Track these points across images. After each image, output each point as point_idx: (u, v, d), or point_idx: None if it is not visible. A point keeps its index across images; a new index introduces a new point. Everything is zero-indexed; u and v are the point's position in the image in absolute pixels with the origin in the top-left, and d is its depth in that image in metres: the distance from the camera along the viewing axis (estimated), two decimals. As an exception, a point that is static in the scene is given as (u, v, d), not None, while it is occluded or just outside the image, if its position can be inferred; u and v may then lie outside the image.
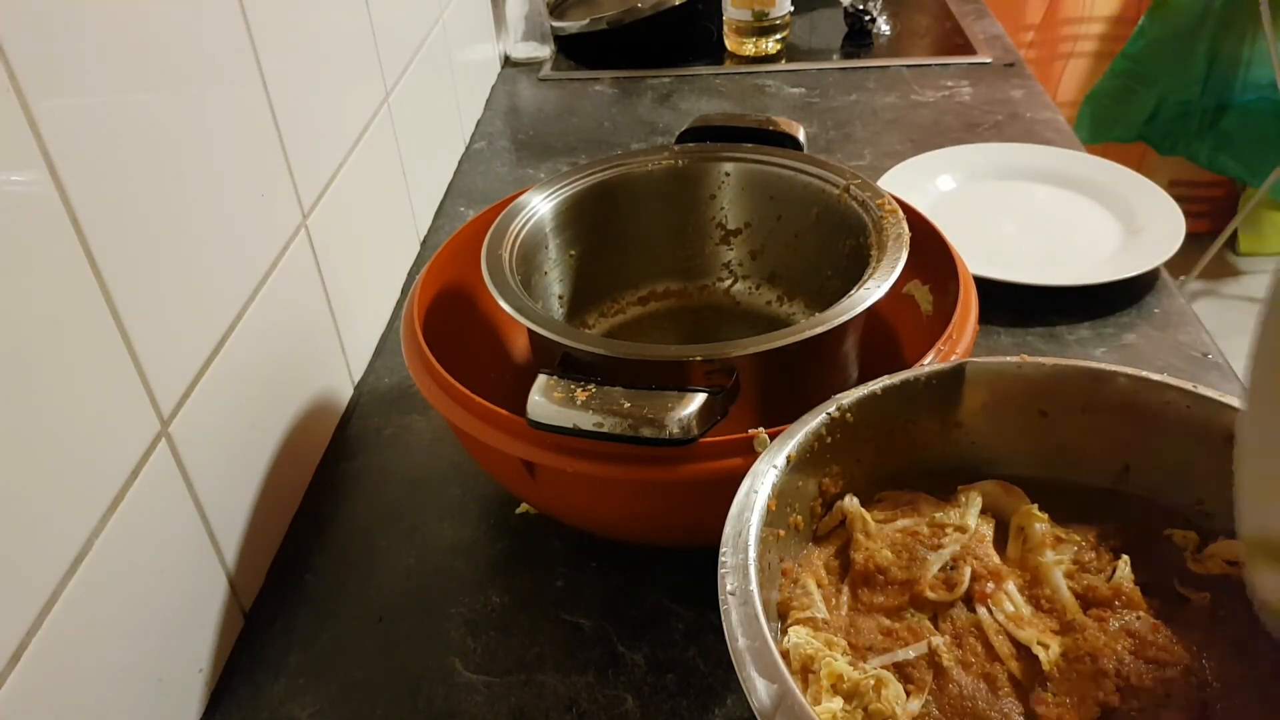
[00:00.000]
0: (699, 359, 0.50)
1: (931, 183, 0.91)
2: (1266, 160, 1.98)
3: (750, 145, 0.68)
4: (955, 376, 0.46)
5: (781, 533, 0.42)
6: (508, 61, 1.27)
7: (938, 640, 0.40)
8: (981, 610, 0.41)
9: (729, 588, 0.36)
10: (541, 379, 0.48)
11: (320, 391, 0.66)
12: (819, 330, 0.50)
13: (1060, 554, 0.43)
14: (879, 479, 0.46)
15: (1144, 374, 0.44)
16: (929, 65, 1.19)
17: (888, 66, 1.20)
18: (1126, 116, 2.11)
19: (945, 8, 1.36)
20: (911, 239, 0.57)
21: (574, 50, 1.28)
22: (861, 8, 1.27)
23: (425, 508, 0.62)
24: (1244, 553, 0.35)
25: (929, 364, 0.48)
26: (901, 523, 0.44)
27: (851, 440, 0.44)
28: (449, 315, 0.63)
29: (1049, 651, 0.39)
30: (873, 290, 0.53)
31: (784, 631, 0.40)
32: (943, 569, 0.42)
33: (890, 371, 0.46)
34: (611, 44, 1.24)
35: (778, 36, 1.23)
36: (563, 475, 0.49)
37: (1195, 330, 0.73)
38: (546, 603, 0.55)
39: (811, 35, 1.31)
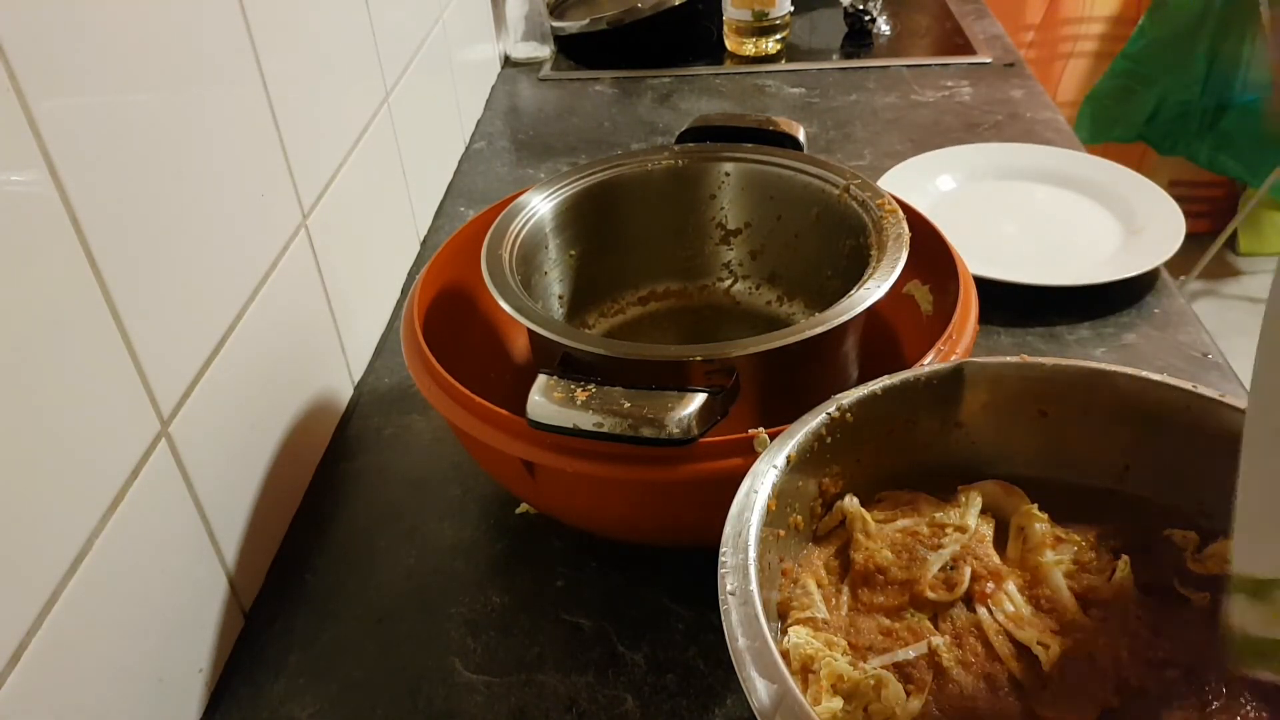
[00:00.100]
0: (699, 359, 0.50)
1: (931, 183, 0.91)
2: (1266, 160, 1.98)
3: (750, 145, 0.68)
4: (955, 376, 0.46)
5: (781, 533, 0.42)
6: (508, 61, 1.27)
7: (938, 640, 0.40)
8: (981, 610, 0.41)
9: (729, 588, 0.36)
10: (541, 379, 0.48)
11: (320, 391, 0.66)
12: (819, 330, 0.50)
13: (1060, 554, 0.43)
14: (879, 479, 0.46)
15: (1144, 374, 0.44)
16: (929, 65, 1.19)
17: (888, 66, 1.20)
18: (1126, 116, 2.11)
19: (945, 8, 1.36)
20: (911, 239, 0.57)
21: (574, 50, 1.28)
22: (861, 8, 1.27)
23: (425, 508, 0.62)
24: (1230, 577, 0.35)
25: (929, 364, 0.48)
26: (901, 523, 0.44)
27: (851, 440, 0.44)
28: (449, 315, 0.63)
29: (1049, 652, 0.39)
30: (873, 290, 0.53)
31: (784, 631, 0.40)
32: (943, 569, 0.42)
33: (890, 371, 0.46)
34: (611, 44, 1.24)
35: (778, 36, 1.23)
36: (563, 475, 0.49)
37: (1195, 330, 0.73)
38: (546, 603, 0.55)
39: (811, 35, 1.31)
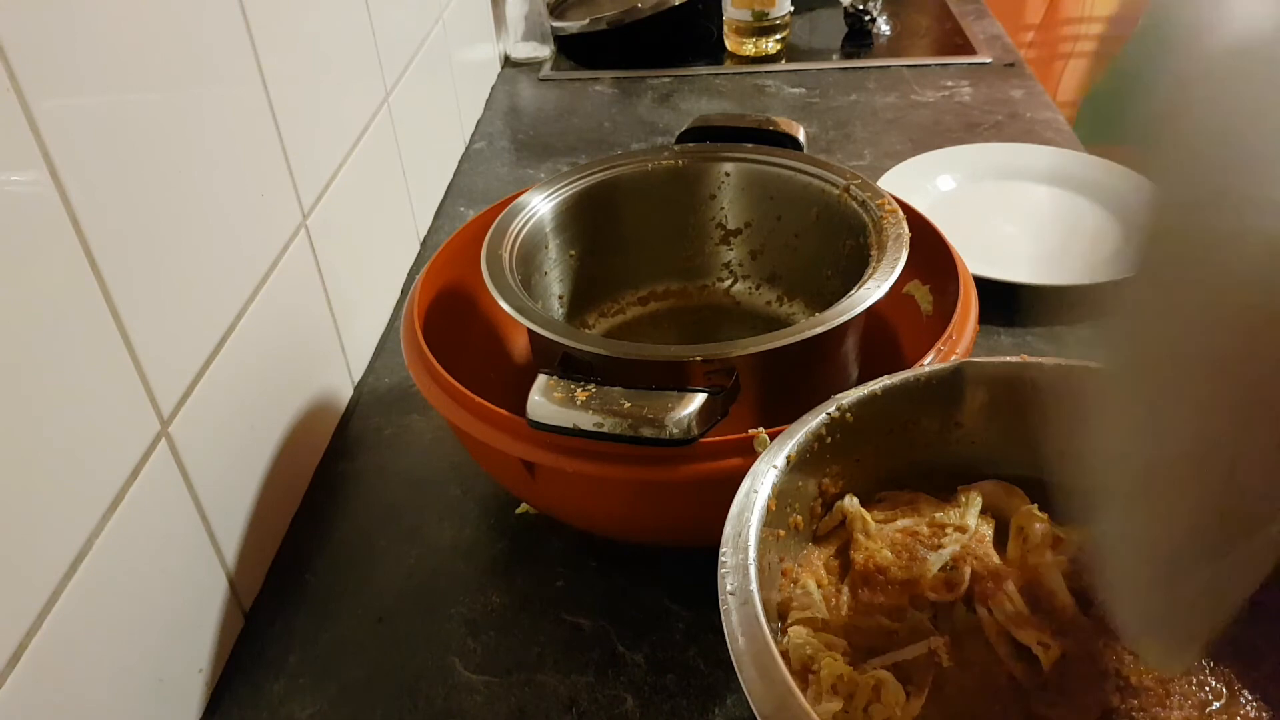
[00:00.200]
0: (699, 359, 0.50)
1: (931, 183, 0.91)
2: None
3: (750, 145, 0.68)
4: (955, 376, 0.46)
5: (781, 533, 0.42)
6: (508, 61, 1.27)
7: (938, 640, 0.40)
8: (981, 610, 0.41)
9: (729, 588, 0.36)
10: (541, 379, 0.48)
11: (320, 391, 0.66)
12: (819, 330, 0.50)
13: (1060, 554, 0.43)
14: (879, 479, 0.46)
15: (1144, 374, 0.44)
16: (929, 65, 1.19)
17: (888, 66, 1.20)
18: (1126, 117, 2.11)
19: (945, 8, 1.36)
20: (911, 239, 0.57)
21: (574, 50, 1.28)
22: (861, 8, 1.27)
23: (425, 508, 0.62)
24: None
25: (929, 364, 0.48)
26: (901, 523, 0.44)
27: (851, 440, 0.44)
28: (449, 315, 0.63)
29: (1049, 652, 0.39)
30: (873, 290, 0.53)
31: (784, 631, 0.40)
32: (943, 569, 0.42)
33: (890, 371, 0.46)
34: (611, 44, 1.24)
35: (778, 36, 1.23)
36: (563, 475, 0.49)
37: (1195, 330, 0.73)
38: (546, 603, 0.55)
39: (811, 35, 1.31)
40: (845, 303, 0.52)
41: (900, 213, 0.59)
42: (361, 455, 0.67)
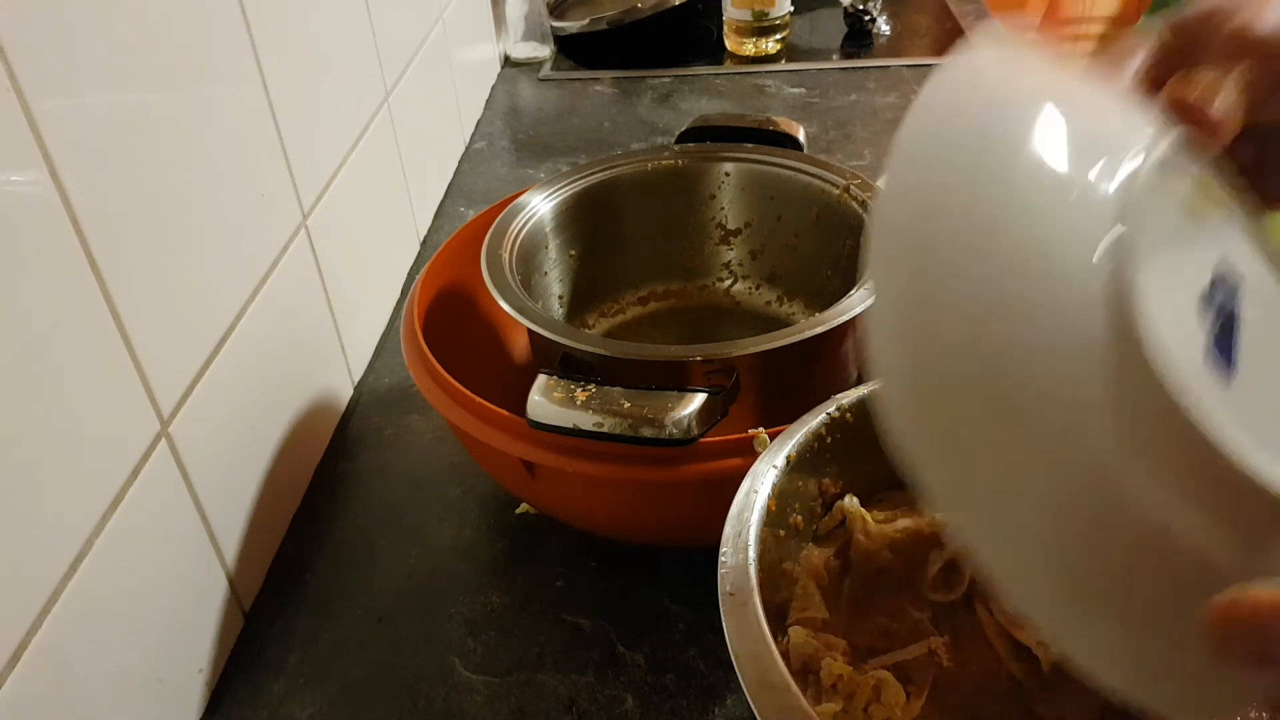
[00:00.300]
0: (699, 359, 0.50)
1: (931, 183, 0.91)
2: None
3: (750, 145, 0.68)
4: (955, 376, 0.46)
5: (781, 533, 0.42)
6: (508, 61, 1.27)
7: (938, 640, 0.40)
8: (981, 610, 0.41)
9: (729, 588, 0.36)
10: (541, 379, 0.48)
11: (320, 391, 0.66)
12: (819, 330, 0.50)
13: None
14: (879, 479, 0.46)
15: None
16: (929, 65, 1.19)
17: (888, 66, 1.20)
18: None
19: (945, 8, 1.36)
20: (911, 239, 0.56)
21: (574, 50, 1.28)
22: (861, 8, 1.27)
23: (425, 508, 0.62)
24: None
25: (929, 364, 0.48)
26: (901, 523, 0.44)
27: (851, 440, 0.44)
28: (449, 315, 0.63)
29: (1049, 652, 0.39)
30: (873, 290, 0.53)
31: (784, 631, 0.40)
32: (943, 569, 0.42)
33: (890, 371, 0.46)
34: (611, 44, 1.24)
35: (778, 36, 1.23)
36: (563, 475, 0.49)
37: (1195, 330, 0.73)
38: (546, 603, 0.55)
39: (811, 35, 1.31)
40: (845, 303, 0.52)
41: (900, 213, 0.59)
42: (361, 455, 0.67)
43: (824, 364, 0.56)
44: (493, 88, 1.20)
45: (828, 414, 0.44)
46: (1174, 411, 0.26)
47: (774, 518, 0.40)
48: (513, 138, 1.09)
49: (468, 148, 1.07)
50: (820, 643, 0.39)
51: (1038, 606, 0.27)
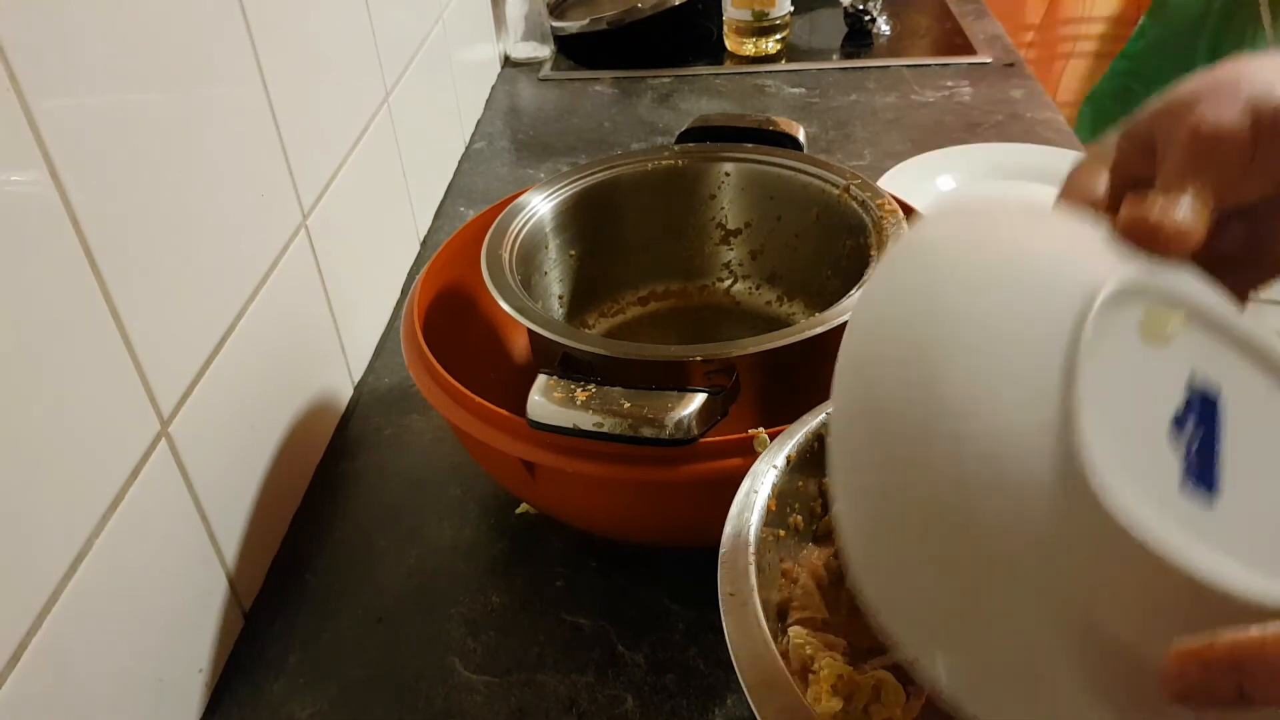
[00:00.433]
0: (699, 359, 0.50)
1: (931, 183, 0.91)
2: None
3: (750, 145, 0.68)
4: (955, 377, 0.46)
5: (781, 533, 0.42)
6: (508, 61, 1.27)
7: (938, 640, 0.39)
8: (981, 610, 0.41)
9: (729, 588, 0.36)
10: (541, 379, 0.48)
11: (320, 391, 0.66)
12: (819, 330, 0.50)
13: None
14: (879, 479, 0.46)
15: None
16: (929, 65, 1.19)
17: (888, 66, 1.20)
18: (1126, 116, 2.11)
19: (945, 8, 1.36)
20: (911, 239, 0.56)
21: (574, 50, 1.28)
22: (861, 8, 1.27)
23: (425, 508, 0.62)
24: None
25: (929, 364, 0.48)
26: (901, 523, 0.44)
27: (851, 440, 0.44)
28: (449, 315, 0.63)
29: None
30: (873, 290, 0.53)
31: (784, 631, 0.40)
32: (943, 569, 0.42)
33: (890, 371, 0.46)
34: (611, 44, 1.24)
35: (778, 36, 1.23)
36: (563, 475, 0.49)
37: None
38: (546, 603, 0.55)
39: (811, 35, 1.31)
40: (845, 303, 0.52)
41: (900, 213, 0.59)
42: (361, 455, 0.67)
43: (824, 364, 0.56)
44: (493, 88, 1.20)
45: (828, 414, 0.44)
46: (1141, 552, 0.26)
47: (774, 518, 0.40)
48: (513, 138, 1.09)
49: (468, 148, 1.07)
50: (820, 643, 0.39)
51: None
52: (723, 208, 0.69)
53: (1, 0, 0.37)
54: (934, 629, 0.29)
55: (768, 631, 0.34)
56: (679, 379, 0.48)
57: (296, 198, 0.62)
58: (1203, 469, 0.28)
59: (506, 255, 0.58)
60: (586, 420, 0.45)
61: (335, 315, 0.68)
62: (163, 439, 0.47)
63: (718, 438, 0.47)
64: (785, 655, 0.38)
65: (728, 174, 0.68)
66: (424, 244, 0.89)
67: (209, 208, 0.52)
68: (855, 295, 0.53)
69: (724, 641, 0.34)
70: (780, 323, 0.69)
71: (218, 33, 0.53)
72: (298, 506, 0.63)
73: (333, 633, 0.55)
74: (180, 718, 0.49)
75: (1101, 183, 0.36)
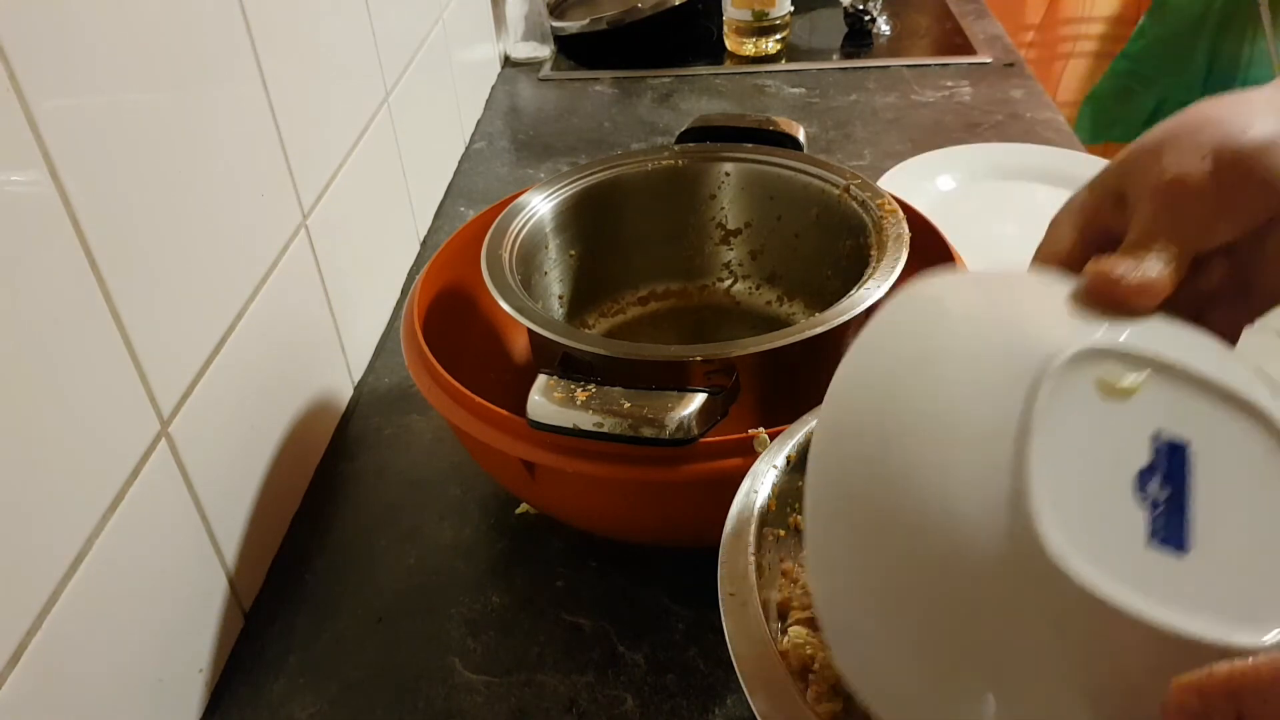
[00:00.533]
0: (699, 359, 0.50)
1: (931, 183, 0.91)
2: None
3: (750, 145, 0.68)
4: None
5: (781, 533, 0.42)
6: (508, 61, 1.27)
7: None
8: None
9: (729, 588, 0.36)
10: (541, 379, 0.48)
11: (320, 391, 0.66)
12: (819, 330, 0.50)
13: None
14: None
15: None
16: (929, 65, 1.19)
17: (888, 66, 1.20)
18: (1126, 116, 2.11)
19: (945, 8, 1.36)
20: (911, 239, 0.57)
21: (574, 50, 1.28)
22: (861, 8, 1.27)
23: (425, 508, 0.62)
24: None
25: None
26: (901, 523, 0.44)
27: (851, 440, 0.44)
28: (449, 315, 0.63)
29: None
30: (873, 290, 0.53)
31: (784, 631, 0.40)
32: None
33: (890, 371, 0.46)
34: (611, 44, 1.24)
35: (778, 36, 1.23)
36: (563, 475, 0.49)
37: (1195, 330, 0.73)
38: (546, 603, 0.55)
39: (811, 35, 1.31)
40: (845, 303, 0.52)
41: (900, 213, 0.59)
42: (361, 455, 0.67)
43: (824, 364, 0.56)
44: (493, 88, 1.20)
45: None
46: (1108, 615, 0.26)
47: (774, 518, 0.40)
48: (513, 138, 1.09)
49: (468, 148, 1.07)
50: (820, 642, 0.39)
51: None
52: (723, 208, 0.69)
53: (2, 0, 0.37)
54: (903, 703, 0.29)
55: (768, 631, 0.34)
56: (679, 379, 0.48)
57: (296, 198, 0.62)
58: (1170, 522, 0.28)
59: (506, 255, 0.58)
60: (586, 420, 0.45)
61: (335, 315, 0.68)
62: (163, 439, 0.47)
63: (718, 438, 0.47)
64: (785, 655, 0.38)
65: (728, 174, 0.68)
66: (424, 244, 0.89)
67: (209, 208, 0.52)
68: (857, 294, 0.53)
69: (724, 641, 0.34)
70: (780, 323, 0.69)
71: (218, 33, 0.53)
72: (298, 506, 0.63)
73: (333, 633, 0.55)
74: (180, 718, 0.49)
75: (1076, 235, 0.37)
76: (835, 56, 1.24)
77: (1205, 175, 0.33)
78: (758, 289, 0.71)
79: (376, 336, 0.77)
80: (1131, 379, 0.31)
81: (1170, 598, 0.27)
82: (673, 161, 0.68)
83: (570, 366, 0.52)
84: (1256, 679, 0.24)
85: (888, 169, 0.92)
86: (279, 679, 0.52)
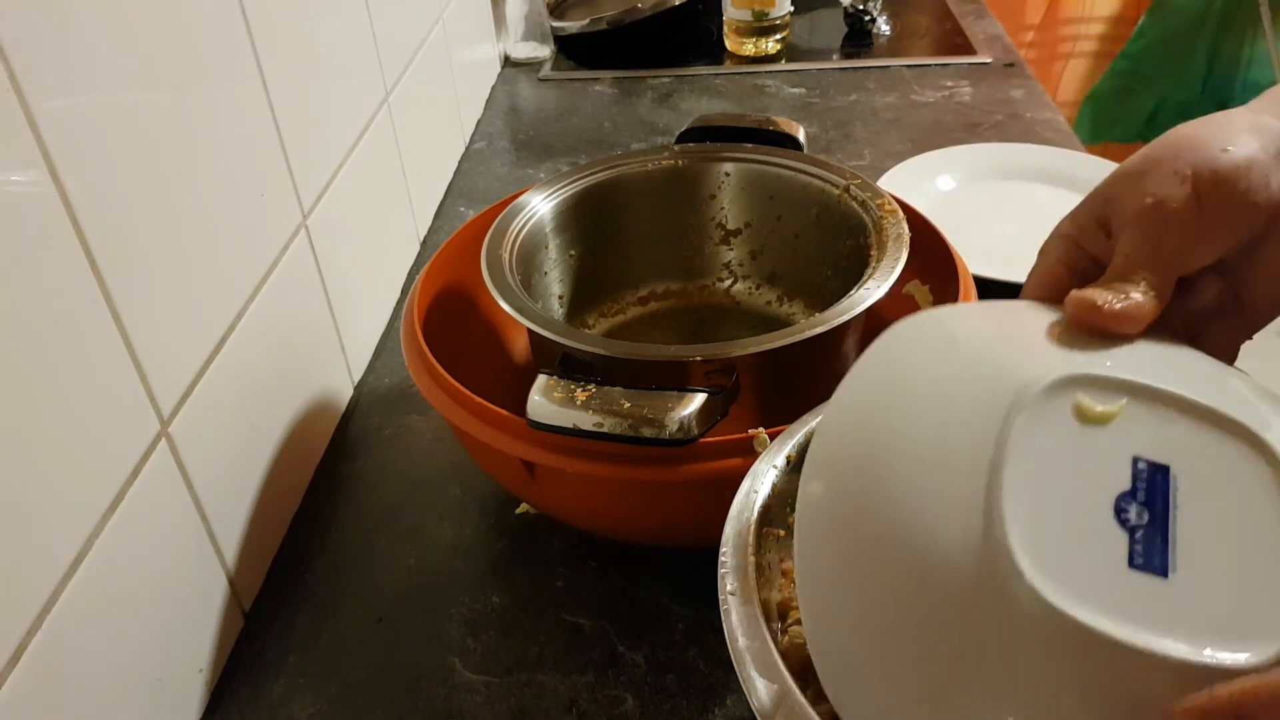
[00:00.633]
0: (699, 359, 0.50)
1: (931, 183, 0.91)
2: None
3: (750, 145, 0.68)
4: (955, 377, 0.46)
5: (781, 533, 0.42)
6: (508, 61, 1.27)
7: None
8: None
9: (729, 588, 0.36)
10: (541, 379, 0.48)
11: (320, 391, 0.66)
12: (819, 330, 0.50)
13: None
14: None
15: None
16: (929, 65, 1.19)
17: (888, 66, 1.20)
18: (1126, 116, 2.11)
19: (945, 8, 1.36)
20: (911, 239, 0.57)
21: (574, 50, 1.28)
22: (861, 8, 1.27)
23: (425, 508, 0.62)
24: None
25: (929, 364, 0.48)
26: (901, 523, 0.44)
27: (851, 440, 0.44)
28: (449, 315, 0.63)
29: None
30: (873, 290, 0.53)
31: (784, 631, 0.40)
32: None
33: (890, 372, 0.46)
34: (611, 44, 1.24)
35: (778, 36, 1.23)
36: (563, 475, 0.49)
37: (1195, 330, 0.73)
38: (546, 603, 0.55)
39: (811, 35, 1.31)
40: (845, 303, 0.52)
41: (900, 213, 0.59)
42: (361, 455, 0.67)
43: (824, 364, 0.56)
44: (493, 88, 1.20)
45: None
46: (1089, 642, 0.26)
47: (774, 518, 0.40)
48: (513, 138, 1.09)
49: (468, 148, 1.07)
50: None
51: None
52: (723, 208, 0.69)
53: (2, 1, 0.37)
54: None
55: (768, 631, 0.34)
56: (679, 379, 0.48)
57: (296, 198, 0.62)
58: (1150, 545, 0.28)
59: (506, 255, 0.58)
60: (586, 420, 0.45)
61: (335, 315, 0.68)
62: (163, 439, 0.47)
63: (718, 438, 0.47)
64: (785, 655, 0.38)
65: (728, 174, 0.68)
66: (424, 244, 0.89)
67: (209, 208, 0.52)
68: (857, 294, 0.53)
69: (724, 641, 0.34)
70: (780, 323, 0.69)
71: (218, 33, 0.53)
72: (298, 506, 0.63)
73: (333, 633, 0.55)
74: (180, 718, 0.49)
75: (1062, 265, 0.37)
76: (835, 56, 1.24)
77: (1185, 199, 0.33)
78: (758, 289, 0.71)
79: (376, 336, 0.77)
80: (1109, 404, 0.31)
81: (1152, 621, 0.27)
82: (673, 161, 0.68)
83: (570, 366, 0.51)
84: (1256, 695, 0.24)
85: (888, 169, 0.92)
86: (279, 679, 0.52)
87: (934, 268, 0.62)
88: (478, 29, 1.15)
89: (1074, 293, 0.34)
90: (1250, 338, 0.37)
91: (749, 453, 0.46)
